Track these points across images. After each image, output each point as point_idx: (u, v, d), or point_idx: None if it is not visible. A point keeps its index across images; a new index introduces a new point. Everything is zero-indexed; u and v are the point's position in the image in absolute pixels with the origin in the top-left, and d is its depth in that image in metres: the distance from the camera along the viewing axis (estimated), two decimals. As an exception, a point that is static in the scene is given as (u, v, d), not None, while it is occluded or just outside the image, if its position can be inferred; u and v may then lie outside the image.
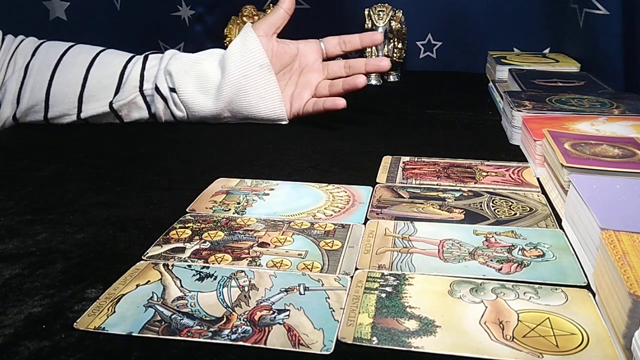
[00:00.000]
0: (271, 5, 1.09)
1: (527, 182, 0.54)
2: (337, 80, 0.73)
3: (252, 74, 0.69)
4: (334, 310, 0.35)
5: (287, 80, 0.74)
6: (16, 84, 0.72)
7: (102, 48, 0.75)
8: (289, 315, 0.34)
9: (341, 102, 0.70)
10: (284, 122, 0.73)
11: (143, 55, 0.74)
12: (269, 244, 0.43)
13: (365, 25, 1.00)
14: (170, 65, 0.71)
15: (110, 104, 0.71)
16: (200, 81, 0.70)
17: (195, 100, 0.71)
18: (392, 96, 0.94)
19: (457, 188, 0.53)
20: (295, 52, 0.73)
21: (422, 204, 0.50)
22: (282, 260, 0.41)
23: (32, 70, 0.72)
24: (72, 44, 0.75)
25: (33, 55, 0.73)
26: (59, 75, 0.71)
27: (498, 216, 0.47)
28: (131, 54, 0.75)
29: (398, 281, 0.38)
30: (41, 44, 0.75)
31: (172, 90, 0.70)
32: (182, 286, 0.38)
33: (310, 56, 0.74)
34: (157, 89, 0.71)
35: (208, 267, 0.40)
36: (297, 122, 0.74)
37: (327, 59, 0.76)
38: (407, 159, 0.61)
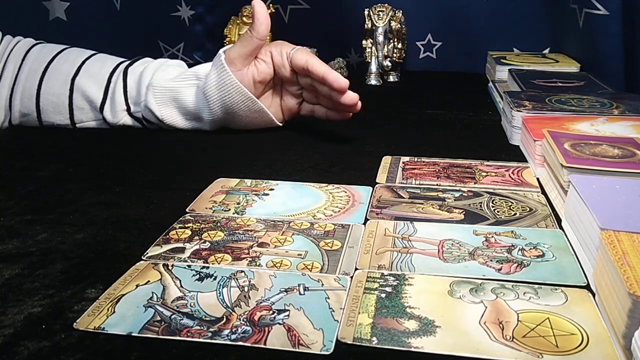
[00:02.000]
0: (271, 5, 1.09)
1: (527, 182, 0.54)
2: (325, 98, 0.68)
3: (236, 109, 0.67)
4: (333, 311, 0.35)
5: (271, 91, 0.71)
6: (7, 90, 0.71)
7: (88, 54, 0.74)
8: (288, 315, 0.34)
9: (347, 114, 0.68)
10: (280, 125, 0.72)
11: (123, 67, 0.72)
12: (269, 244, 0.43)
13: (365, 25, 1.00)
14: (149, 100, 0.68)
15: (104, 120, 0.71)
16: (185, 112, 0.69)
17: (185, 125, 0.70)
18: (392, 96, 0.94)
19: (457, 188, 0.53)
20: (271, 68, 0.68)
21: (422, 204, 0.50)
22: (282, 261, 0.41)
23: (21, 77, 0.71)
24: (62, 48, 0.74)
25: (23, 60, 0.72)
26: (46, 84, 0.71)
27: (498, 216, 0.47)
28: (116, 62, 0.73)
29: (398, 281, 0.38)
30: (32, 46, 0.74)
31: (160, 120, 0.69)
32: (182, 286, 0.38)
33: (283, 70, 0.68)
34: (144, 118, 0.70)
35: (208, 267, 0.40)
36: (297, 122, 0.74)
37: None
38: (407, 159, 0.61)
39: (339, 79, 0.64)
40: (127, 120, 0.71)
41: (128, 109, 0.70)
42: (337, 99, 0.66)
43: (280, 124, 0.72)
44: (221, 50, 0.67)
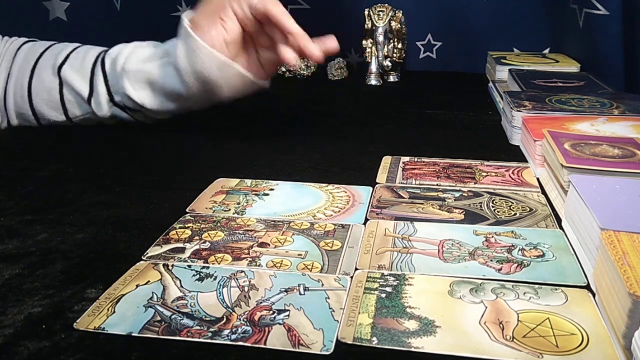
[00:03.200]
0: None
1: (527, 182, 0.54)
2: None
3: (212, 77, 0.63)
4: (333, 311, 0.35)
5: (247, 50, 0.65)
6: (1, 91, 0.71)
7: (73, 47, 0.72)
8: (288, 315, 0.34)
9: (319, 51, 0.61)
10: (267, 87, 0.68)
11: (102, 55, 0.70)
12: (269, 244, 0.43)
13: (365, 25, 1.00)
14: (125, 86, 0.67)
15: (93, 113, 0.70)
16: (163, 92, 0.67)
17: (168, 107, 0.68)
18: (392, 96, 0.94)
19: (457, 188, 0.53)
20: (239, 27, 0.63)
21: (422, 204, 0.50)
22: (282, 261, 0.41)
23: (12, 76, 0.71)
24: (49, 45, 0.74)
25: (13, 60, 0.72)
26: (36, 81, 0.70)
27: (498, 216, 0.47)
28: (98, 51, 0.71)
29: (398, 281, 0.38)
30: (21, 45, 0.74)
31: (140, 105, 0.68)
32: (182, 286, 0.38)
33: (248, 23, 0.63)
34: (125, 106, 0.69)
35: (208, 267, 0.40)
36: (297, 122, 0.74)
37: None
38: (407, 159, 0.61)
39: (289, 23, 0.60)
40: (113, 110, 0.70)
41: (111, 99, 0.69)
42: (300, 48, 0.61)
43: (266, 83, 0.67)
44: (184, 16, 0.63)
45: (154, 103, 0.68)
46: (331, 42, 0.63)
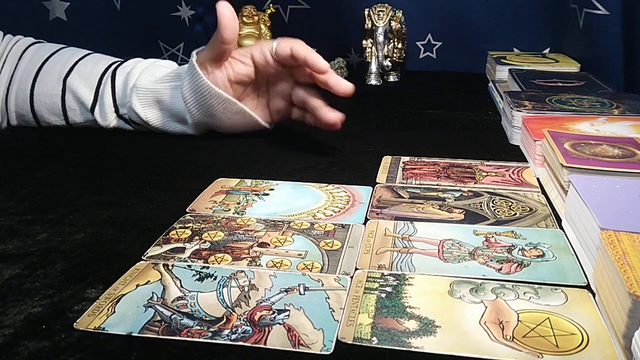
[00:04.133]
0: (271, 5, 1.09)
1: (527, 182, 0.54)
2: (317, 105, 0.64)
3: (215, 112, 0.65)
4: (334, 311, 0.35)
5: (257, 92, 0.68)
6: (3, 91, 0.71)
7: (82, 54, 0.73)
8: (289, 315, 0.34)
9: (336, 121, 0.63)
10: (270, 128, 0.70)
11: (113, 67, 0.71)
12: (269, 244, 0.43)
13: (365, 25, 1.00)
14: (133, 102, 0.67)
15: (96, 122, 0.70)
16: (169, 113, 0.68)
17: (172, 127, 0.69)
18: (392, 96, 0.94)
19: (457, 188, 0.53)
20: (252, 69, 0.65)
21: (422, 204, 0.50)
22: (282, 261, 0.41)
23: (16, 77, 0.71)
24: (57, 48, 0.74)
25: (19, 60, 0.72)
26: (39, 85, 0.70)
27: (498, 216, 0.47)
28: (108, 61, 0.72)
29: (398, 281, 0.38)
30: (29, 46, 0.74)
31: (145, 122, 0.68)
32: (182, 286, 0.38)
33: (268, 68, 0.65)
34: (130, 119, 0.70)
35: (208, 267, 0.40)
36: (297, 123, 0.74)
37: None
38: (407, 159, 0.61)
39: (317, 60, 0.60)
40: (116, 122, 0.70)
41: (116, 111, 0.70)
42: (322, 84, 0.62)
43: (269, 126, 0.69)
44: (194, 52, 0.65)
45: (158, 122, 0.69)
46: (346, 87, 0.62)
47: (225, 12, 0.61)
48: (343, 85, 0.62)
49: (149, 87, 0.67)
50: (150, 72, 0.69)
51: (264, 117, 0.68)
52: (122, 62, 0.72)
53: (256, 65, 0.65)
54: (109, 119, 0.70)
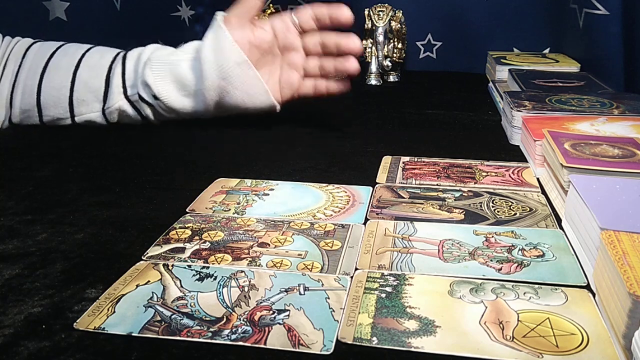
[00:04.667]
0: (271, 5, 1.09)
1: (527, 182, 0.54)
2: (328, 62, 0.69)
3: (230, 74, 0.66)
4: (333, 311, 0.35)
5: (270, 66, 0.69)
6: (8, 89, 0.72)
7: (88, 47, 0.74)
8: (288, 315, 0.34)
9: (343, 84, 0.69)
10: (277, 110, 0.71)
11: (123, 53, 0.72)
12: (269, 244, 0.43)
13: (365, 25, 1.00)
14: (146, 73, 0.68)
15: (102, 111, 0.70)
16: (181, 85, 0.68)
17: (181, 103, 0.69)
18: (392, 96, 0.94)
19: (457, 188, 0.53)
20: (271, 36, 0.68)
21: (422, 204, 0.50)
22: (282, 261, 0.41)
23: (22, 74, 0.71)
24: (60, 44, 0.74)
25: (23, 58, 0.72)
26: (47, 79, 0.71)
27: (498, 216, 0.47)
28: (116, 52, 0.73)
29: (398, 281, 0.38)
30: (31, 45, 0.74)
31: (156, 97, 0.69)
32: (182, 286, 0.38)
33: (288, 35, 0.69)
34: (140, 97, 0.70)
35: (208, 267, 0.40)
36: (297, 123, 0.74)
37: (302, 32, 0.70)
38: (407, 159, 0.61)
39: (342, 9, 0.66)
40: (122, 104, 0.70)
41: (124, 91, 0.70)
42: (342, 46, 0.68)
43: (277, 106, 0.70)
44: (219, 12, 0.67)
45: (169, 97, 0.69)
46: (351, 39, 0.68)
47: None
48: (357, 46, 0.68)
49: (163, 60, 0.69)
50: (165, 49, 0.71)
51: (274, 92, 0.69)
52: (131, 49, 0.73)
53: (277, 33, 0.68)
54: (115, 99, 0.70)
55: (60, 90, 0.71)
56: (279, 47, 0.69)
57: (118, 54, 0.73)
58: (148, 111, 0.71)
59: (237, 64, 0.65)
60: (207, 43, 0.66)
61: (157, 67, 0.68)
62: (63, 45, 0.74)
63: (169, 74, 0.68)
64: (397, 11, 1.00)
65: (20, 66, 0.72)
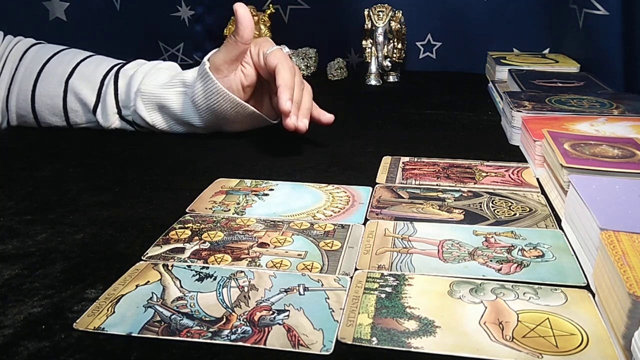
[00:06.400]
0: (271, 5, 1.09)
1: (527, 183, 0.54)
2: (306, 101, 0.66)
3: (226, 115, 0.66)
4: (333, 311, 0.35)
5: (261, 92, 0.69)
6: (4, 92, 0.71)
7: (83, 56, 0.73)
8: (288, 315, 0.34)
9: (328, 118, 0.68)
10: (275, 122, 0.70)
11: (116, 69, 0.71)
12: (269, 245, 0.43)
13: (365, 25, 1.00)
14: (138, 105, 0.68)
15: (97, 123, 0.70)
16: (174, 117, 0.68)
17: (177, 128, 0.70)
18: (392, 96, 0.94)
19: (457, 188, 0.53)
20: (254, 70, 0.65)
21: (421, 204, 0.50)
22: (281, 261, 0.41)
23: (17, 78, 0.71)
24: (58, 49, 0.74)
25: (20, 60, 0.72)
26: (40, 86, 0.70)
27: (498, 216, 0.47)
28: (110, 64, 0.72)
29: (398, 281, 0.38)
30: (30, 47, 0.74)
31: (150, 125, 0.69)
32: (181, 286, 0.38)
33: (262, 70, 0.65)
34: (134, 122, 0.70)
35: (208, 268, 0.40)
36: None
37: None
38: (406, 159, 0.61)
39: (284, 103, 0.59)
40: (118, 123, 0.70)
41: (119, 112, 0.70)
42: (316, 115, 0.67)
43: (275, 122, 0.70)
44: (205, 58, 0.65)
45: (165, 125, 0.69)
46: (326, 117, 0.68)
47: (244, 12, 0.63)
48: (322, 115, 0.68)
49: (153, 92, 0.68)
50: (154, 76, 0.69)
51: (269, 114, 0.69)
52: (124, 64, 0.72)
53: (254, 65, 0.66)
54: (111, 120, 0.70)
55: (53, 99, 0.70)
56: (267, 76, 0.66)
57: (112, 67, 0.72)
58: (145, 130, 0.71)
59: (232, 108, 0.65)
60: (197, 90, 0.65)
61: (147, 100, 0.68)
62: (62, 50, 0.74)
63: (160, 108, 0.68)
64: (397, 11, 1.00)
65: (16, 69, 0.72)
